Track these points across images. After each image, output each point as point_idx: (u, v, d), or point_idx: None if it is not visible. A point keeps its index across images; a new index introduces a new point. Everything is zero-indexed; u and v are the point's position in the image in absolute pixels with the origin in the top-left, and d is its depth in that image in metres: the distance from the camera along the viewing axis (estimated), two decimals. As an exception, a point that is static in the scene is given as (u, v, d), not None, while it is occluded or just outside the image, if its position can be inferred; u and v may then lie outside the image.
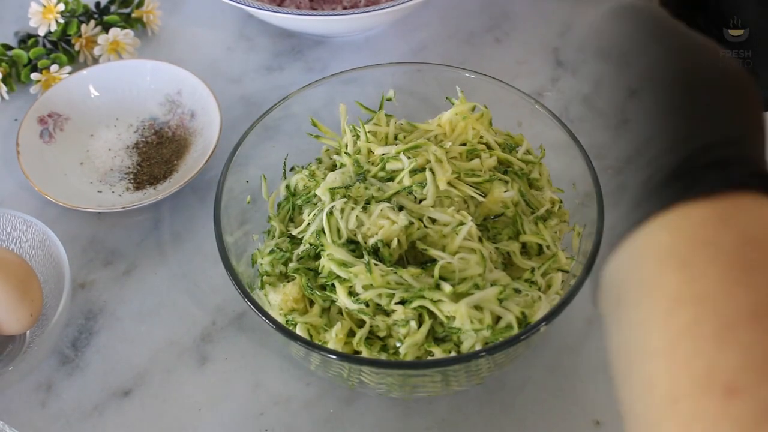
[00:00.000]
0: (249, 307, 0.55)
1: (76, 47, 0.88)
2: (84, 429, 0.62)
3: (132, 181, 0.76)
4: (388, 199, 0.59)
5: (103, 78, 0.82)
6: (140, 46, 0.89)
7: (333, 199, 0.60)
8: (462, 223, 0.58)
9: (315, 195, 0.62)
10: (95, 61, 0.88)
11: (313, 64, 0.88)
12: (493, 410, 0.61)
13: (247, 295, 0.56)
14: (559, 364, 0.63)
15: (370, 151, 0.64)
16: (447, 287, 0.55)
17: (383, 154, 0.63)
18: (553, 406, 0.61)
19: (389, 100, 0.69)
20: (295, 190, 0.65)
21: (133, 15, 0.91)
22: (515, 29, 0.90)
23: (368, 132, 0.65)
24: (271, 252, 0.62)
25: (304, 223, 0.61)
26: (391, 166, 0.62)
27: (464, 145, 0.64)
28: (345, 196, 0.60)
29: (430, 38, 0.90)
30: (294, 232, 0.62)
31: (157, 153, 0.79)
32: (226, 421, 0.61)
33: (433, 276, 0.56)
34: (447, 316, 0.54)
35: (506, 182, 0.62)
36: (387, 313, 0.56)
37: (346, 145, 0.65)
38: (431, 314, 0.55)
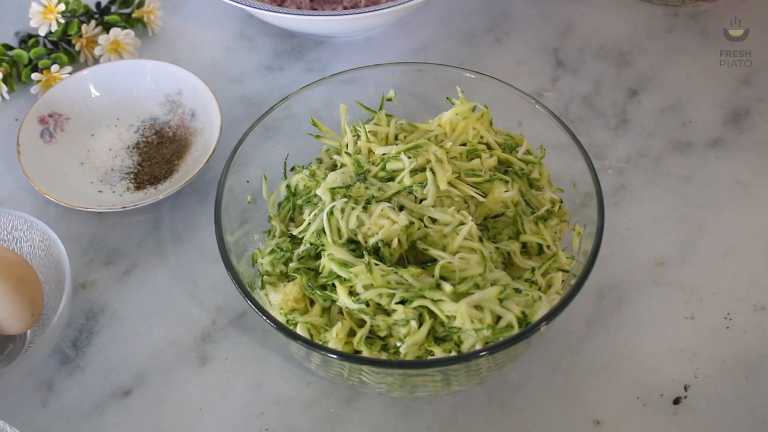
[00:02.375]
0: (249, 307, 0.55)
1: (77, 47, 0.88)
2: (84, 429, 0.62)
3: (132, 180, 0.76)
4: (389, 199, 0.60)
5: (103, 78, 0.82)
6: (141, 46, 0.89)
7: (333, 199, 0.60)
8: (462, 223, 0.58)
9: (315, 195, 0.62)
10: (96, 61, 0.88)
11: (314, 65, 0.88)
12: (493, 410, 0.61)
13: (247, 295, 0.56)
14: (559, 364, 0.64)
15: (370, 151, 0.64)
16: (447, 287, 0.55)
17: (384, 154, 0.63)
18: (553, 406, 0.61)
19: (389, 100, 0.69)
20: (295, 189, 0.65)
21: (134, 15, 0.91)
22: (515, 29, 0.91)
23: (369, 132, 0.65)
24: (272, 252, 0.62)
25: (305, 223, 0.61)
26: (391, 166, 0.62)
27: (464, 145, 0.64)
28: (345, 196, 0.60)
29: (430, 38, 0.90)
30: (294, 231, 0.62)
31: (158, 153, 0.79)
32: (227, 421, 0.62)
33: (433, 276, 0.56)
34: (447, 316, 0.54)
35: (506, 182, 0.62)
36: (387, 313, 0.56)
37: (347, 145, 0.65)
38: (432, 314, 0.55)
